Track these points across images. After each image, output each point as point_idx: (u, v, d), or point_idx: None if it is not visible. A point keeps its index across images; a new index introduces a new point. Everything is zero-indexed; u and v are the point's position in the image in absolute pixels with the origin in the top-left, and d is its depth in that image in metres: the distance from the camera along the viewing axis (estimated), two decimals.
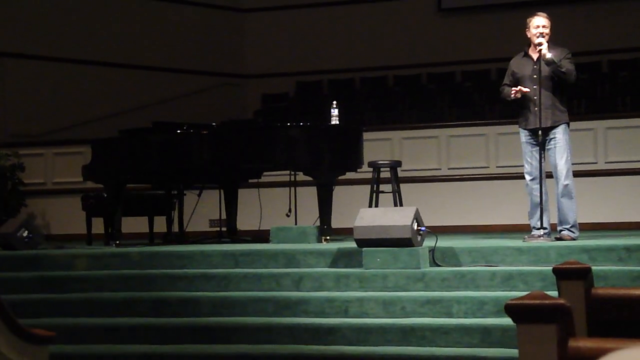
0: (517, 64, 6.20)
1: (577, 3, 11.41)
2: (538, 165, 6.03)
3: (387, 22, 12.28)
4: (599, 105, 10.32)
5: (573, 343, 1.44)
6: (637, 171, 8.95)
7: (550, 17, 6.14)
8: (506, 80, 6.27)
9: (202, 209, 8.27)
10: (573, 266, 2.20)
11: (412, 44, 12.08)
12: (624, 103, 10.38)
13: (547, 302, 1.42)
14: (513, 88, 6.09)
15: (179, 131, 7.06)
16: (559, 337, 1.38)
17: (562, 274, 2.19)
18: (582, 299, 2.09)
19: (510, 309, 1.48)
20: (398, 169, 7.58)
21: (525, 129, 6.13)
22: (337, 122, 7.05)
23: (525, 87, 6.05)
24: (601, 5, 11.49)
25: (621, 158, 9.01)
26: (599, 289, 2.25)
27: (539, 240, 5.96)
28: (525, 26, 6.14)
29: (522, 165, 8.76)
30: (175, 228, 7.92)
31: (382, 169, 7.45)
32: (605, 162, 9.04)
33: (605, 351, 1.35)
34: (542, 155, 6.06)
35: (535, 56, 6.07)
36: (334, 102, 7.13)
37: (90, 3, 11.46)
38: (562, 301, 1.43)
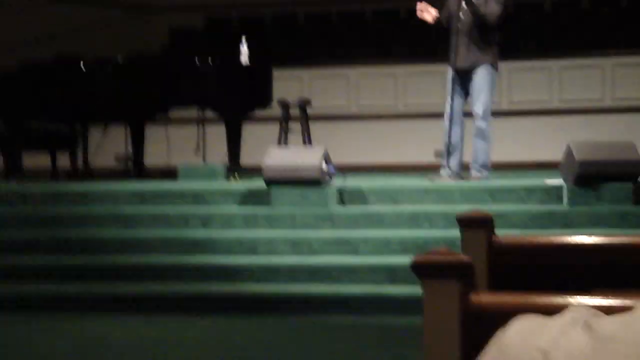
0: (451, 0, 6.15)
1: None
2: (453, 104, 6.08)
3: None
4: (503, 46, 10.48)
5: (475, 298, 1.50)
6: (538, 112, 9.21)
7: None
8: (442, 13, 6.18)
9: (108, 144, 8.09)
10: (475, 215, 2.27)
11: None
12: (528, 44, 10.59)
13: (450, 258, 1.47)
14: (419, 6, 6.04)
15: (82, 65, 6.85)
16: (461, 292, 1.43)
17: (465, 223, 2.26)
18: (484, 246, 2.16)
19: (415, 266, 1.52)
20: (307, 107, 7.59)
21: (451, 69, 6.12)
22: (247, 59, 6.97)
23: (452, 24, 6.01)
24: None
25: (523, 98, 9.26)
26: (499, 237, 2.33)
27: (444, 180, 6.09)
28: None
29: (429, 104, 8.89)
30: (80, 164, 7.74)
31: (291, 107, 7.44)
32: (510, 102, 9.26)
33: (504, 305, 1.41)
34: (462, 96, 6.10)
35: None
36: (243, 39, 7.03)
37: None
38: (464, 257, 1.47)
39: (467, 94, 6.15)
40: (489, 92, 6.10)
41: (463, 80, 6.10)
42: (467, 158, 6.26)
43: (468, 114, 6.25)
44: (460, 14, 5.99)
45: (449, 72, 6.15)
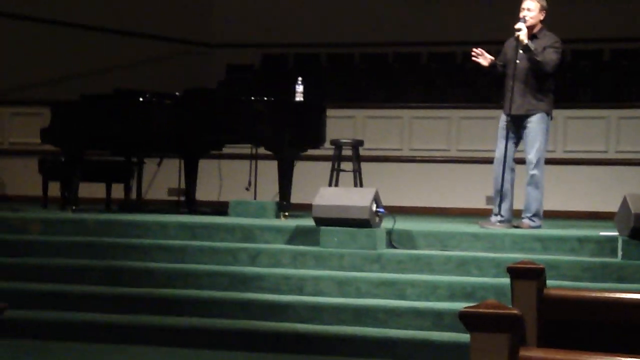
0: (508, 46, 6.14)
1: None
2: (504, 151, 6.03)
3: None
4: (560, 94, 10.40)
5: (524, 352, 1.47)
6: (594, 161, 9.08)
7: (545, 1, 6.04)
8: (499, 58, 6.21)
9: (162, 177, 8.22)
10: (527, 266, 2.23)
11: (381, 23, 12.05)
12: (585, 93, 10.49)
13: (500, 312, 1.44)
14: (475, 51, 6.06)
15: (141, 99, 6.99)
16: (510, 346, 1.40)
17: (516, 273, 2.22)
18: (534, 298, 2.12)
19: (464, 317, 1.49)
20: (360, 147, 7.60)
21: (504, 114, 6.11)
22: (302, 98, 7.02)
23: (508, 70, 6.01)
24: None
25: (579, 148, 9.13)
26: (551, 289, 2.29)
27: (495, 226, 6.02)
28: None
29: (482, 150, 8.83)
30: (134, 196, 7.85)
31: (344, 147, 7.46)
32: (564, 151, 9.15)
33: None
34: (515, 142, 6.07)
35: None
36: (300, 78, 7.09)
37: None
38: (515, 311, 1.45)
39: (518, 140, 6.10)
40: (544, 140, 6.04)
41: (516, 126, 6.06)
42: (518, 205, 6.18)
43: (518, 161, 6.20)
44: (517, 60, 5.96)
45: (502, 118, 6.12)
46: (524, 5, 6.02)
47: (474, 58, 6.12)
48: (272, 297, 5.34)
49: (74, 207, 7.01)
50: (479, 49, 6.12)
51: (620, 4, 11.24)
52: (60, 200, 7.65)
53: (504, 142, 6.03)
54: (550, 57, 5.94)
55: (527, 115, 6.02)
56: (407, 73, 11.42)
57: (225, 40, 12.52)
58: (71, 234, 6.19)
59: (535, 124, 6.00)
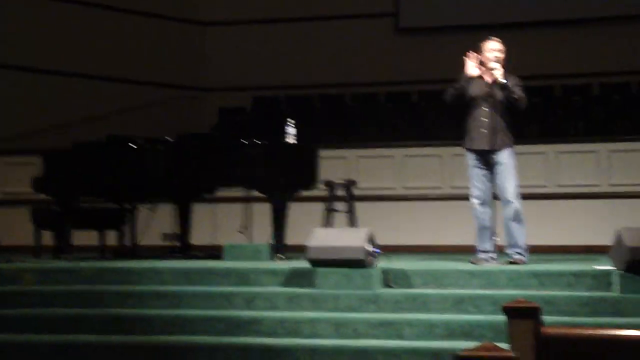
0: (474, 83, 6.20)
1: (529, 27, 11.57)
2: (487, 189, 6.11)
3: (347, 40, 12.33)
4: (551, 129, 10.48)
5: None
6: (586, 195, 9.10)
7: (504, 42, 6.24)
8: (457, 85, 6.27)
9: (156, 223, 8.19)
10: (522, 305, 2.23)
11: (370, 63, 12.16)
12: (576, 127, 10.56)
13: (496, 354, 1.44)
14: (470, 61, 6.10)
15: (133, 146, 7.00)
16: None
17: (512, 312, 2.22)
18: (531, 337, 2.12)
19: None
20: (353, 187, 7.62)
21: (472, 151, 6.18)
22: (294, 140, 7.05)
23: (478, 108, 6.12)
24: (554, 30, 11.69)
25: (571, 182, 9.16)
26: (548, 328, 2.28)
27: (489, 264, 6.02)
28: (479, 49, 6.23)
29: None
30: (128, 242, 7.83)
31: (337, 188, 7.48)
32: (557, 186, 9.18)
33: None
34: (488, 179, 6.13)
35: (488, 79, 6.15)
36: (291, 120, 7.13)
37: (44, 10, 11.30)
38: (511, 354, 1.45)
39: (491, 176, 6.15)
40: (517, 173, 6.13)
41: (488, 163, 6.12)
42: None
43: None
44: (489, 96, 6.06)
45: (470, 156, 6.17)
46: (493, 46, 6.14)
47: (470, 60, 6.14)
48: (268, 340, 5.30)
49: (67, 256, 6.98)
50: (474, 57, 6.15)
51: (608, 39, 11.39)
52: (53, 249, 7.61)
53: (482, 179, 6.10)
54: (522, 94, 6.08)
55: (499, 151, 6.10)
56: (398, 112, 11.49)
57: (216, 84, 12.60)
58: (66, 283, 6.15)
59: (507, 159, 6.12)
